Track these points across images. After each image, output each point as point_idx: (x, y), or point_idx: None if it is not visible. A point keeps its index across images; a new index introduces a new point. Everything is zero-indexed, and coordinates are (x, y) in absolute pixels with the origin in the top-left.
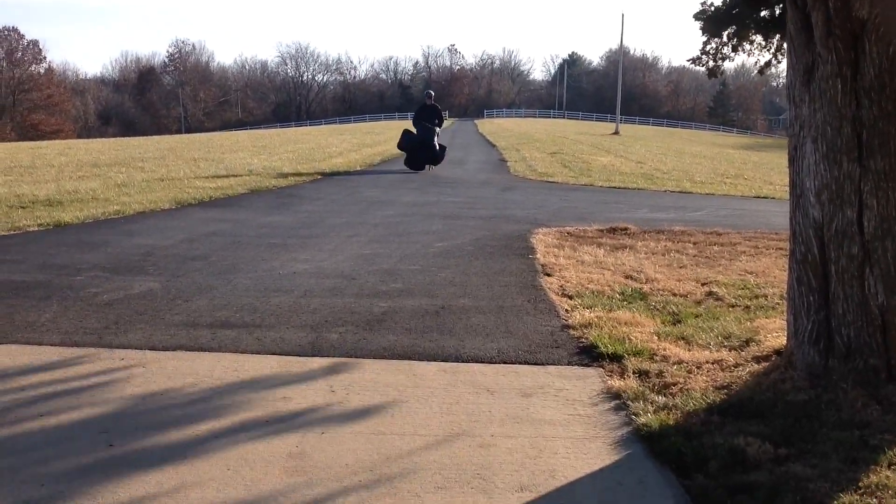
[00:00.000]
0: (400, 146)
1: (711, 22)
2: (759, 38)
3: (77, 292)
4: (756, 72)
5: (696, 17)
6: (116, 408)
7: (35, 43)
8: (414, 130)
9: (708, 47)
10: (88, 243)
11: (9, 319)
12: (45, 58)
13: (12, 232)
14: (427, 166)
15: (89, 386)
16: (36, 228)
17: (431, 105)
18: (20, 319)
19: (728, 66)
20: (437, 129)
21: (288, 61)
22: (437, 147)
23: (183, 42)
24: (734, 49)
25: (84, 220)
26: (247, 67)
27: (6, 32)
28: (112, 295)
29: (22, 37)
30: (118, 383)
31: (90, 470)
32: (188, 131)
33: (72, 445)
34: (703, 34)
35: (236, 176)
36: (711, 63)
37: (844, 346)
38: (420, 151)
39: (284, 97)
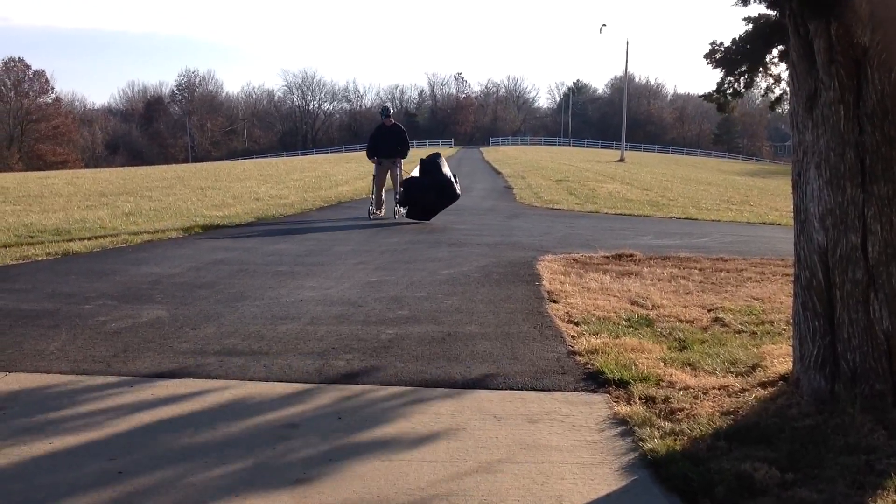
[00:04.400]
0: (404, 202)
1: (724, 62)
2: (771, 74)
3: (85, 321)
4: (767, 106)
5: (707, 57)
6: (125, 435)
7: (41, 73)
8: (408, 173)
9: (723, 86)
10: (97, 272)
11: (18, 348)
12: (52, 88)
13: (21, 261)
14: (402, 209)
15: (98, 414)
16: (44, 257)
17: (391, 126)
18: (29, 348)
19: None
20: (400, 165)
21: (294, 90)
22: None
23: (193, 72)
24: (747, 86)
25: (92, 249)
26: (253, 96)
27: (13, 63)
28: (120, 323)
29: (28, 67)
30: (127, 411)
31: (99, 498)
32: (195, 160)
33: (81, 473)
34: (721, 73)
35: (243, 204)
36: (723, 100)
37: (850, 371)
38: (437, 202)
39: (291, 126)
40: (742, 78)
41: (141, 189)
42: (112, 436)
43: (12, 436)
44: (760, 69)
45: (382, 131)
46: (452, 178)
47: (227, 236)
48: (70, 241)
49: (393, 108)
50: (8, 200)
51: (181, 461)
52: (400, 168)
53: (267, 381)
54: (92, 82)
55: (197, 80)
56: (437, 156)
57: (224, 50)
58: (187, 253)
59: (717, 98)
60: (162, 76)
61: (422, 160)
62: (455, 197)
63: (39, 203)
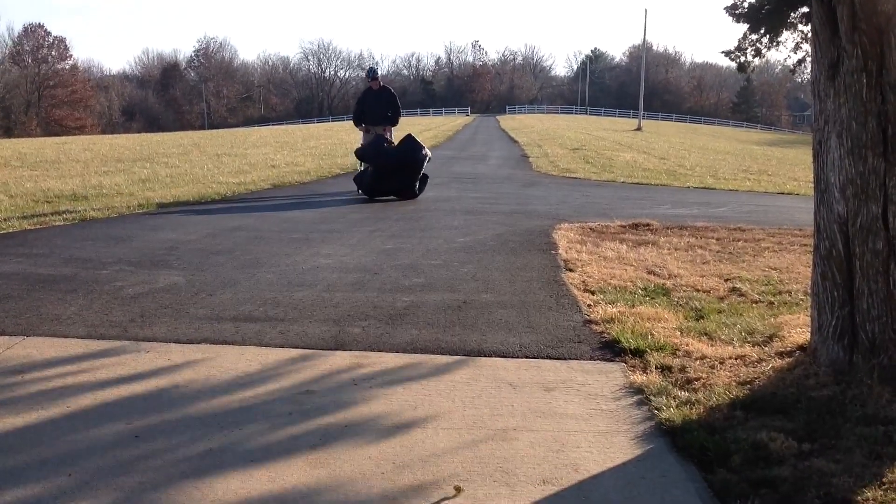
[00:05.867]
0: (361, 155)
1: (747, 16)
2: (792, 37)
3: (102, 286)
4: (789, 70)
5: (728, 10)
6: (142, 400)
7: (62, 40)
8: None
9: (744, 44)
10: (113, 237)
11: (35, 312)
12: (70, 55)
13: (38, 226)
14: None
15: (115, 378)
16: (62, 223)
17: (380, 90)
18: (46, 312)
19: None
20: (391, 133)
21: (310, 57)
22: (421, 176)
23: (210, 38)
24: (771, 42)
25: (109, 215)
26: (269, 63)
27: (32, 29)
28: (137, 288)
29: (48, 33)
30: (143, 376)
31: (116, 461)
32: (211, 127)
33: (98, 436)
34: (746, 27)
35: (259, 171)
36: (743, 59)
37: (869, 341)
38: (394, 178)
39: (307, 93)
40: (765, 37)
41: (157, 155)
42: (128, 400)
43: (30, 399)
44: (785, 29)
45: (370, 95)
46: (418, 177)
47: (244, 203)
48: (87, 207)
49: (380, 71)
50: (25, 165)
51: (197, 426)
52: (391, 136)
53: (283, 347)
54: (108, 48)
55: (213, 46)
56: (424, 156)
57: (240, 17)
58: (203, 219)
59: (738, 56)
60: (176, 43)
61: (413, 138)
62: (410, 193)
63: (57, 168)
